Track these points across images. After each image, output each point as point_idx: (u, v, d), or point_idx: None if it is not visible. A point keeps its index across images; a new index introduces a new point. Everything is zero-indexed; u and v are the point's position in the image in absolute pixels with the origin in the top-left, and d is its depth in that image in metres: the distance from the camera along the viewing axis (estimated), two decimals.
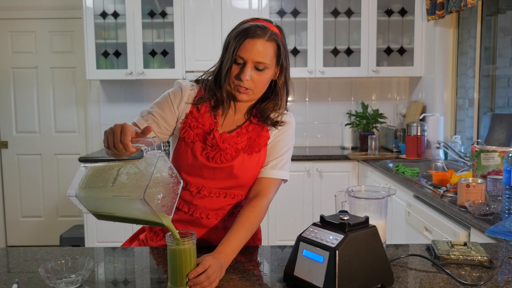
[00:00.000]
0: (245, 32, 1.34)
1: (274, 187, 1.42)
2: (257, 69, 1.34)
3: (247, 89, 1.35)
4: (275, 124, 1.44)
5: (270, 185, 1.41)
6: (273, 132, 1.45)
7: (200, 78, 1.47)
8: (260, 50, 1.32)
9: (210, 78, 1.44)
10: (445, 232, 2.06)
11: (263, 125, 1.44)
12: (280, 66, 1.39)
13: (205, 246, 1.34)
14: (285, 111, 1.49)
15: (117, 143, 1.06)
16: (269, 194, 1.40)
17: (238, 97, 1.38)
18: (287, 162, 1.46)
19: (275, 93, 1.44)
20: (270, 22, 1.39)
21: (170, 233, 1.08)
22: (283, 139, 1.46)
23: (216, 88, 1.41)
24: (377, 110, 3.93)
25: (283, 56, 1.39)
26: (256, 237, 1.54)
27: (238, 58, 1.34)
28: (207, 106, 1.42)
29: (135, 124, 1.39)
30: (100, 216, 1.12)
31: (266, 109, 1.43)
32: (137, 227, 1.55)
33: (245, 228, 1.29)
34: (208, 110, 1.42)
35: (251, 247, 1.42)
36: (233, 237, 1.25)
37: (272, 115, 1.44)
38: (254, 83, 1.35)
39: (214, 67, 1.43)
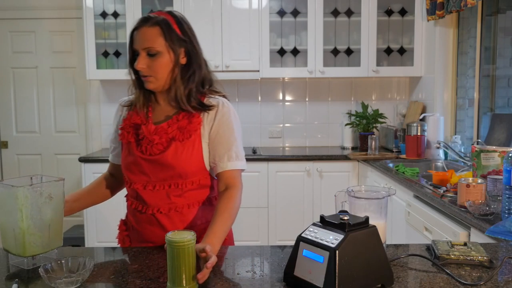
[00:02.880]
0: (134, 26, 1.43)
1: (238, 177, 1.46)
2: (149, 55, 1.40)
3: (147, 76, 1.42)
4: (203, 107, 1.46)
5: (235, 176, 1.45)
6: (206, 118, 1.46)
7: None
8: (145, 37, 1.39)
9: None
10: (445, 232, 2.06)
11: (194, 112, 1.45)
12: (179, 46, 1.42)
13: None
14: (216, 96, 1.51)
15: None
16: (238, 184, 1.44)
17: (146, 86, 1.45)
18: (241, 151, 1.48)
19: (190, 73, 1.47)
20: (162, 11, 1.46)
21: (170, 232, 1.08)
22: (225, 131, 1.46)
23: (134, 87, 1.51)
24: (377, 110, 3.93)
25: (174, 37, 1.41)
26: (229, 240, 1.55)
27: (134, 51, 1.43)
28: (139, 107, 1.49)
29: (110, 163, 1.64)
30: None
31: (178, 90, 1.44)
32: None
33: (225, 218, 1.34)
34: (141, 109, 1.49)
35: (252, 247, 1.42)
36: (216, 227, 1.30)
37: (193, 98, 1.45)
38: (151, 69, 1.41)
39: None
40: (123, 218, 1.61)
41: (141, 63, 1.40)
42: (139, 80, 1.47)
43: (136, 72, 1.46)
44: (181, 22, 1.45)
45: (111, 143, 1.62)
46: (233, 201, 1.39)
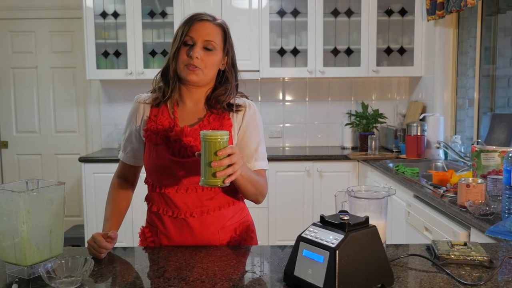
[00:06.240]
0: (194, 16, 1.44)
1: (264, 176, 1.51)
2: (206, 49, 1.40)
3: (196, 67, 1.40)
4: (231, 107, 1.47)
5: (263, 175, 1.49)
6: (235, 119, 1.47)
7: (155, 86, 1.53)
8: (209, 31, 1.41)
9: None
10: (445, 232, 2.06)
11: (223, 114, 1.46)
12: (226, 53, 1.46)
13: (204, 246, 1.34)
14: (240, 97, 1.53)
15: (100, 250, 1.29)
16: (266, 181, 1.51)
17: (188, 76, 1.41)
18: (265, 152, 1.53)
19: (224, 79, 1.49)
20: (216, 17, 1.48)
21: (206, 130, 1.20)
22: (252, 132, 1.48)
23: (163, 80, 1.47)
24: (377, 110, 3.93)
25: (229, 44, 1.46)
26: (252, 239, 1.55)
27: (188, 39, 1.41)
28: (164, 107, 1.47)
29: (122, 163, 1.56)
30: None
31: (219, 94, 1.47)
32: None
33: (259, 178, 1.43)
34: (167, 109, 1.46)
35: (252, 247, 1.43)
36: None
37: (227, 99, 1.48)
38: (203, 63, 1.40)
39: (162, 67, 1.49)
40: (144, 225, 1.54)
41: (198, 53, 1.39)
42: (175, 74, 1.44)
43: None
44: (230, 35, 1.48)
45: (125, 142, 1.54)
46: (265, 180, 1.48)
